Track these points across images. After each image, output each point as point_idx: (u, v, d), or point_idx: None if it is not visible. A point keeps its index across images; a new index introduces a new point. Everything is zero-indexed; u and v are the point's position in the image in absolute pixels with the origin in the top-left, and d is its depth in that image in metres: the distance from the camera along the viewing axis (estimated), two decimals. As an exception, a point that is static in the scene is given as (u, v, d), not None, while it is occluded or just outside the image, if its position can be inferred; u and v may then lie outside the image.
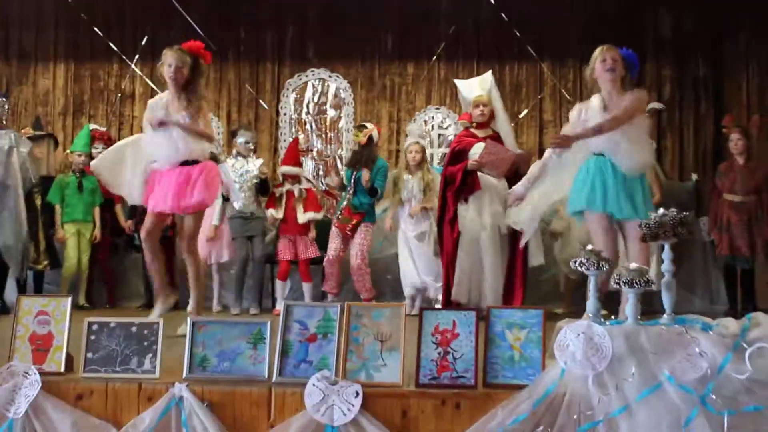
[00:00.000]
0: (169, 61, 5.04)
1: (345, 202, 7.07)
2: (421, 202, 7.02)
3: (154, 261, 5.25)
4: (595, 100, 4.79)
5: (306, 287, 7.26)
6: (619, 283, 3.49)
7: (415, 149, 7.21)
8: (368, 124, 7.28)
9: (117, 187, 5.38)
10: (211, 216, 7.12)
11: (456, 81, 6.94)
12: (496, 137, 6.50)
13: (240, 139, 7.45)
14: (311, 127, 9.31)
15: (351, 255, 7.05)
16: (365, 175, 6.96)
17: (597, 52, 4.76)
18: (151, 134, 5.04)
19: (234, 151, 7.50)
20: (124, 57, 9.21)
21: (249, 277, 7.42)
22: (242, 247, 7.34)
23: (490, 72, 6.80)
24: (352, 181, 7.06)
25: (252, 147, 7.47)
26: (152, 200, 5.07)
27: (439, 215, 6.65)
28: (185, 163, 5.03)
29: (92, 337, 3.70)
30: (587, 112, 4.77)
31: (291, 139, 9.15)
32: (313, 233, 7.34)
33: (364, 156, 7.08)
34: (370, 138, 7.10)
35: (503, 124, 6.55)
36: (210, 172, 5.08)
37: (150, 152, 5.10)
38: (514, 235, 6.24)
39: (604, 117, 4.62)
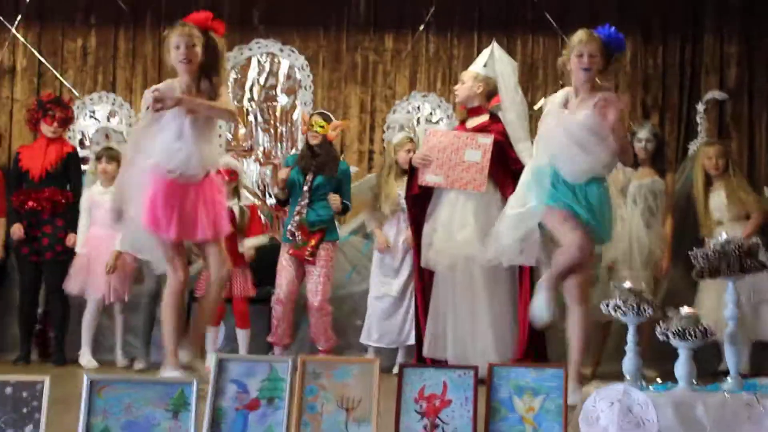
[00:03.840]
0: (175, 41, 5.35)
1: (296, 218, 7.05)
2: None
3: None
4: (560, 94, 5.62)
5: (241, 335, 7.26)
6: (666, 335, 3.51)
7: (412, 147, 7.25)
8: (332, 117, 7.32)
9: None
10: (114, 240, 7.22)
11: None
12: (487, 126, 6.52)
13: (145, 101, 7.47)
14: (255, 118, 9.30)
15: (308, 289, 7.06)
16: (333, 199, 7.00)
17: (575, 40, 5.46)
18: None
19: None
20: (1, 18, 9.14)
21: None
22: (151, 277, 7.31)
23: (493, 42, 6.86)
24: (307, 190, 7.05)
25: None
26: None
27: (412, 239, 6.74)
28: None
29: (-48, 402, 3.65)
30: (551, 105, 5.62)
31: (228, 134, 9.15)
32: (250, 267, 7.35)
33: (324, 156, 7.08)
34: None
35: (507, 111, 6.60)
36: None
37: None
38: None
39: (561, 114, 5.46)
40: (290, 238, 7.05)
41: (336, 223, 7.27)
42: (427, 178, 6.48)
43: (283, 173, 7.22)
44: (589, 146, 5.36)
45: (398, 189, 7.16)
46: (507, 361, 6.12)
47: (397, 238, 7.22)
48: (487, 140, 6.35)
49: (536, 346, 6.41)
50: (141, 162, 5.37)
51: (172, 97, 5.20)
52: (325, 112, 7.49)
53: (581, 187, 5.37)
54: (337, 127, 7.29)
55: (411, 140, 7.38)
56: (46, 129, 7.64)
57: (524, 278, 6.41)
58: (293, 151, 9.15)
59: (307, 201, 7.06)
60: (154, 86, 5.54)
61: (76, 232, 7.46)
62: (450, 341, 6.40)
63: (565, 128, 5.37)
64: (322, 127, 7.15)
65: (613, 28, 5.50)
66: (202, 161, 5.37)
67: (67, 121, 7.76)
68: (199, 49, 5.36)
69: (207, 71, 5.40)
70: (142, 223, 5.37)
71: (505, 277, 6.44)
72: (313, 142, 7.14)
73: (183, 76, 5.40)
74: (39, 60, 9.10)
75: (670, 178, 7.18)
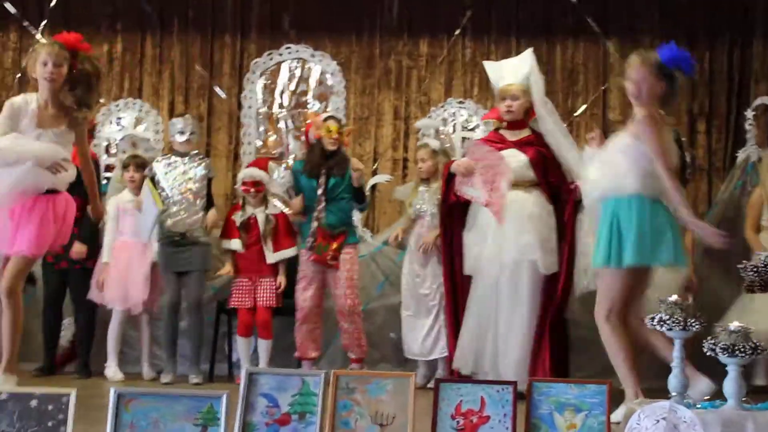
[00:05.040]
0: (43, 58, 5.51)
1: (315, 224, 7.08)
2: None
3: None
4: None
5: (263, 345, 7.28)
6: (714, 350, 3.49)
7: (422, 155, 7.30)
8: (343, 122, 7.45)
9: None
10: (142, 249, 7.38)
11: (485, 63, 6.98)
12: (533, 140, 6.53)
13: (173, 128, 7.57)
14: (286, 125, 9.33)
15: (336, 296, 7.09)
16: (355, 169, 7.09)
17: (629, 61, 5.47)
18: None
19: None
20: (26, 23, 9.23)
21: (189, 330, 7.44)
22: (170, 287, 7.34)
23: (530, 50, 6.83)
24: (321, 193, 7.08)
25: (191, 139, 7.48)
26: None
27: (443, 247, 6.74)
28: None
29: (-25, 415, 3.67)
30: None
31: (257, 141, 9.18)
32: (282, 278, 7.35)
33: (335, 159, 7.15)
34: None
35: (544, 121, 6.58)
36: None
37: None
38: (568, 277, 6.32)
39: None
40: (310, 244, 7.07)
41: (357, 226, 7.31)
42: (465, 189, 6.45)
43: (297, 204, 7.34)
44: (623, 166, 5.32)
45: (426, 195, 7.27)
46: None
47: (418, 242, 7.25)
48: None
49: (563, 363, 6.43)
50: None
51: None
52: (336, 116, 7.55)
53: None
54: (349, 133, 7.36)
55: (426, 147, 7.38)
56: None
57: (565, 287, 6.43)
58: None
59: (323, 205, 7.10)
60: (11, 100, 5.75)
61: (85, 243, 7.47)
62: (489, 354, 6.38)
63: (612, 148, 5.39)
64: (340, 132, 7.18)
65: (675, 48, 5.44)
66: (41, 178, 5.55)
67: None
68: (65, 69, 5.54)
69: (73, 93, 5.61)
70: None
71: (545, 289, 6.44)
72: (331, 147, 7.16)
73: (44, 93, 5.61)
74: (64, 65, 9.18)
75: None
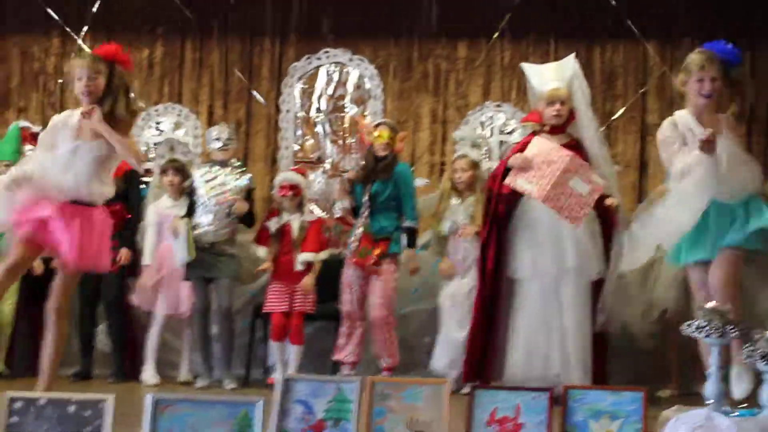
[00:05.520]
0: (77, 72, 5.47)
1: (360, 230, 7.09)
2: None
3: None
4: (686, 121, 5.40)
5: (294, 351, 7.25)
6: (753, 357, 3.46)
7: (462, 166, 7.26)
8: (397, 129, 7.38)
9: None
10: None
11: (524, 66, 6.95)
12: (575, 146, 6.50)
13: (209, 137, 7.59)
14: (323, 129, 9.36)
15: (370, 303, 7.09)
16: None
17: (694, 62, 5.33)
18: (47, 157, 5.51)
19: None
20: (68, 29, 9.32)
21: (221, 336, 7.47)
22: (198, 293, 7.37)
23: (572, 55, 6.80)
24: (367, 199, 7.09)
25: (228, 146, 7.48)
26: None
27: (481, 250, 6.68)
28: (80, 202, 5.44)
29: (14, 419, 3.71)
30: (683, 127, 5.40)
31: (295, 146, 9.21)
32: (308, 279, 7.34)
33: (384, 165, 7.13)
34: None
35: (587, 128, 6.55)
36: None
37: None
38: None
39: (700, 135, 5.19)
40: (354, 248, 7.10)
41: (398, 234, 7.24)
42: (519, 182, 6.31)
43: (350, 174, 7.35)
44: (745, 164, 5.36)
45: (460, 208, 7.23)
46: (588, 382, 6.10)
47: (457, 254, 7.21)
48: (600, 182, 6.30)
49: (603, 370, 6.42)
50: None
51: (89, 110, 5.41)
52: (390, 122, 7.49)
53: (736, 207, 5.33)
54: (403, 138, 7.32)
55: (465, 157, 7.35)
56: None
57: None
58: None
59: (368, 212, 7.10)
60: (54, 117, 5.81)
61: (128, 248, 7.53)
62: (541, 358, 6.36)
63: (728, 153, 5.24)
64: (384, 136, 7.15)
65: (724, 43, 5.46)
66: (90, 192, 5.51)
67: None
68: (101, 81, 5.49)
69: (111, 104, 5.51)
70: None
71: (588, 294, 6.42)
72: (382, 153, 7.15)
73: (84, 105, 5.55)
74: (105, 71, 9.26)
75: None
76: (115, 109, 5.47)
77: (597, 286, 6.44)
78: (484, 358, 6.53)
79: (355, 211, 7.27)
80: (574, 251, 6.35)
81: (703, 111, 5.35)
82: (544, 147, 6.40)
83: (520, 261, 6.50)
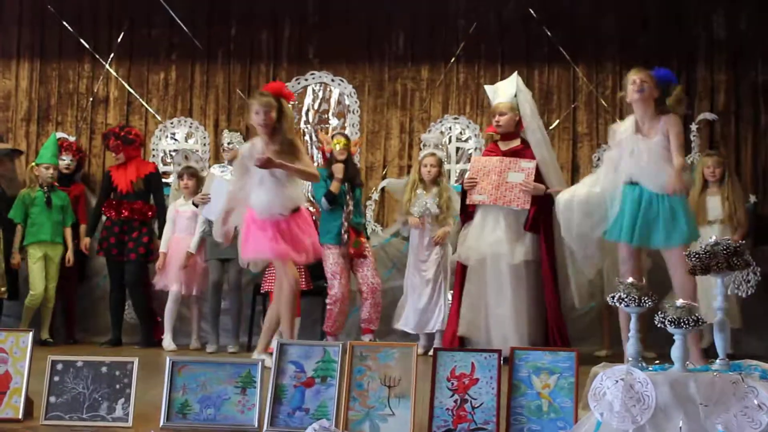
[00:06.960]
0: (255, 108, 5.56)
1: (344, 224, 7.11)
2: (438, 223, 7.17)
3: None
4: (627, 121, 5.59)
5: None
6: (664, 323, 3.49)
7: (431, 162, 7.29)
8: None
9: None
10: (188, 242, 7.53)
11: (486, 87, 7.03)
12: (522, 148, 6.55)
13: (224, 142, 7.69)
14: (311, 138, 9.35)
15: (364, 276, 7.18)
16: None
17: (629, 75, 5.51)
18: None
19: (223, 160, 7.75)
20: (97, 56, 9.26)
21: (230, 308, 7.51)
22: (215, 271, 7.42)
23: (515, 73, 6.86)
24: (350, 197, 7.13)
25: (234, 149, 7.52)
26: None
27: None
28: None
29: (56, 378, 3.71)
30: (619, 134, 5.60)
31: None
32: None
33: (352, 169, 7.33)
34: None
35: (532, 132, 6.60)
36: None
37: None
38: (550, 265, 6.34)
39: (635, 139, 5.46)
40: (345, 241, 7.10)
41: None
42: (474, 197, 6.54)
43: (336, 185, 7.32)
44: (666, 163, 5.41)
45: (426, 197, 7.22)
46: (525, 345, 6.13)
47: (423, 238, 7.23)
48: (530, 165, 6.40)
49: (560, 333, 6.44)
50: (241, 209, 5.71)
51: (263, 158, 5.43)
52: (344, 132, 7.82)
53: (672, 204, 5.40)
54: (356, 144, 7.59)
55: (433, 155, 7.38)
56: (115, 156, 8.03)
57: (548, 272, 6.44)
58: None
59: (351, 208, 7.15)
60: (244, 145, 6.06)
61: (150, 239, 7.76)
62: (483, 326, 6.41)
63: (648, 149, 5.42)
64: (346, 144, 7.29)
65: (661, 69, 5.63)
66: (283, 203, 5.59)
67: (118, 147, 7.87)
68: (274, 114, 5.55)
69: (280, 131, 5.59)
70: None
71: (528, 274, 6.46)
72: (341, 157, 7.22)
73: (262, 135, 5.64)
74: (128, 91, 9.21)
75: None
76: (287, 133, 5.59)
77: (536, 266, 6.49)
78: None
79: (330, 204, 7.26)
80: (491, 242, 6.43)
81: (644, 111, 5.46)
82: (477, 164, 6.62)
83: (459, 248, 6.69)
